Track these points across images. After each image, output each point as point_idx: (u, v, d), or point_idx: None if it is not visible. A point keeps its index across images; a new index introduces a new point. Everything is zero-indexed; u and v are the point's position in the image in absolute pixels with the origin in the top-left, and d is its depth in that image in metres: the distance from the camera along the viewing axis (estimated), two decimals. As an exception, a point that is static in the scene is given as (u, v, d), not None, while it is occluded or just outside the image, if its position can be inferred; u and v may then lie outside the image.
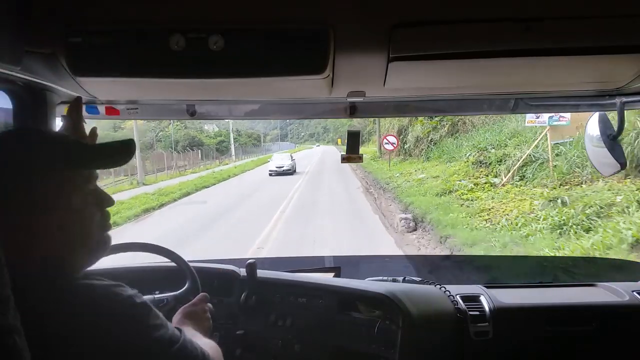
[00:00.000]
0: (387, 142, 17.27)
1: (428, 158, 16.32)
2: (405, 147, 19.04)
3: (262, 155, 48.58)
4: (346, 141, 1.43)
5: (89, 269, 0.83)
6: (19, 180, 0.73)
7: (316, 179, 20.10)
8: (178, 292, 1.41)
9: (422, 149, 17.28)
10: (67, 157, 0.78)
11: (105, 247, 0.84)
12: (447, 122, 15.90)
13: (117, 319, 0.73)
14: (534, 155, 9.97)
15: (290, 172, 22.63)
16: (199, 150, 35.98)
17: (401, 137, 19.07)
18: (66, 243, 0.77)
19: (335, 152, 41.96)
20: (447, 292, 1.62)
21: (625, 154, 1.31)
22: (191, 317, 1.13)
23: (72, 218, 0.78)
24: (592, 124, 1.33)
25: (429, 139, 16.92)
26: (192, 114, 1.41)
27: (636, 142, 7.06)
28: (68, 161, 0.77)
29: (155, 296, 1.38)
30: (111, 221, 0.87)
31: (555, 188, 8.55)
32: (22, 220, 0.73)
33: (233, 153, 41.88)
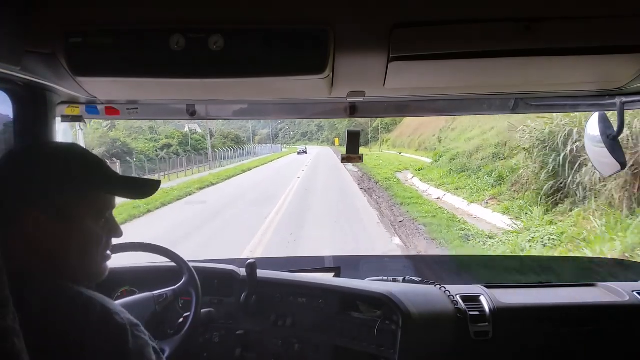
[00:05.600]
0: None
1: None
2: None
3: (190, 176, 23.38)
4: (346, 141, 1.44)
5: None
6: (52, 188, 0.78)
7: None
8: (176, 285, 1.42)
9: None
10: (103, 180, 0.85)
11: (100, 277, 0.87)
12: None
13: (111, 342, 0.74)
14: None
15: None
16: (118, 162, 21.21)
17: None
18: (71, 256, 0.81)
19: (334, 158, 26.64)
20: (447, 292, 1.62)
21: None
22: None
23: (82, 235, 0.82)
24: (592, 124, 1.33)
25: None
26: (192, 114, 1.41)
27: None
28: (102, 183, 0.84)
29: (155, 292, 1.38)
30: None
31: None
32: (43, 225, 0.77)
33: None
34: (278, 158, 42.66)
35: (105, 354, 0.74)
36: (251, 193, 15.42)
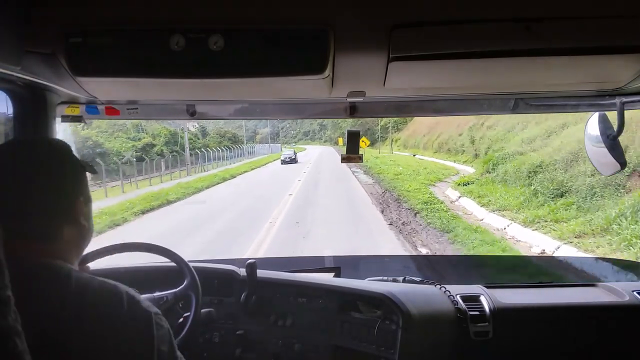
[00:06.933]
0: None
1: None
2: None
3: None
4: (346, 141, 1.44)
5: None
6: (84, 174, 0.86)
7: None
8: (177, 289, 1.41)
9: None
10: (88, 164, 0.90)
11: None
12: None
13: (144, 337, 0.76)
14: None
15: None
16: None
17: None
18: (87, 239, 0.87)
19: (340, 161, 11.19)
20: (447, 292, 1.62)
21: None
22: None
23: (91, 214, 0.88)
24: (592, 124, 1.33)
25: None
26: (192, 114, 1.41)
27: None
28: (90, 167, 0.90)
29: (155, 295, 1.38)
30: None
31: None
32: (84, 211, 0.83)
33: None
34: (275, 160, 35.33)
35: (135, 341, 0.75)
36: (217, 219, 10.07)
